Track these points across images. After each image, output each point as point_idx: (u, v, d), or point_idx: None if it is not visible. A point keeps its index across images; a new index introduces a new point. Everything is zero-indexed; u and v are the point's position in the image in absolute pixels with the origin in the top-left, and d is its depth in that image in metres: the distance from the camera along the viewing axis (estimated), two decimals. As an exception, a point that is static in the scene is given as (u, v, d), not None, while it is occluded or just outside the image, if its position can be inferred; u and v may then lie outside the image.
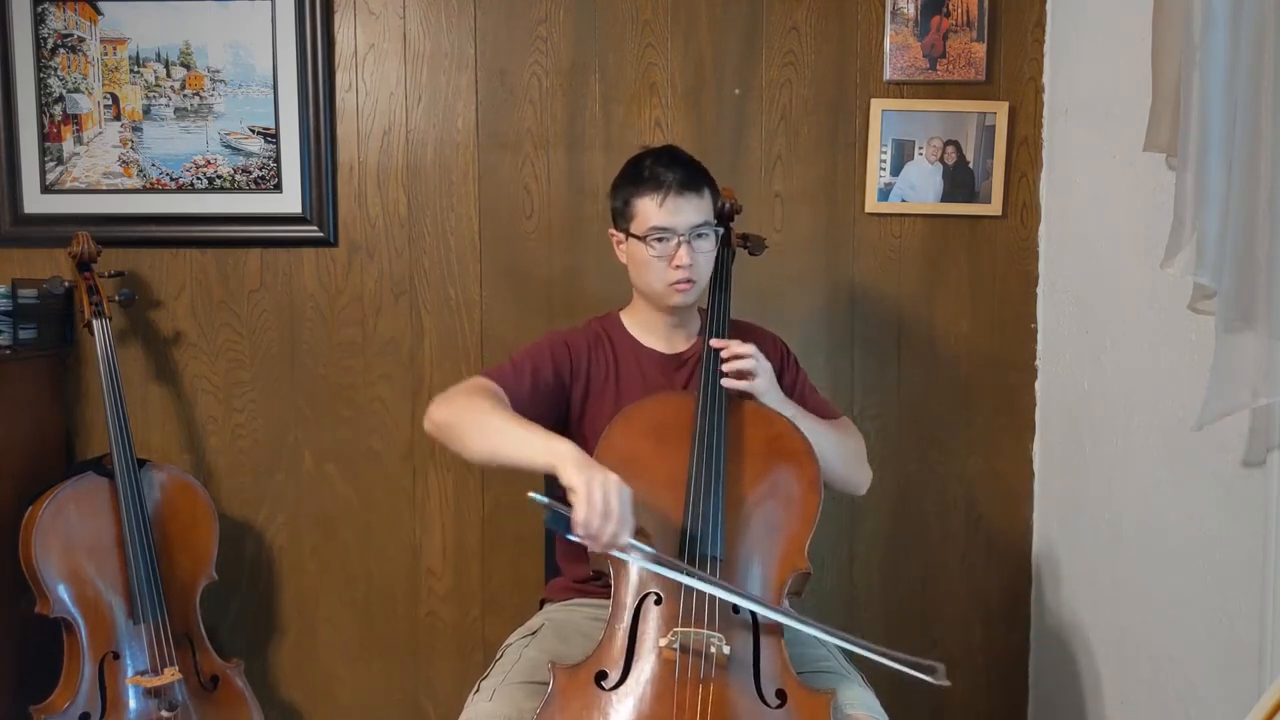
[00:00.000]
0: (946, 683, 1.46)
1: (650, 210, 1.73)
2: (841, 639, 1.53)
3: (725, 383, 1.69)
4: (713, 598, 1.52)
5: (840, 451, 1.81)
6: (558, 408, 1.80)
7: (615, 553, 1.49)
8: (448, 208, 2.37)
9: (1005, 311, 2.38)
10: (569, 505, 1.46)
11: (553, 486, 1.55)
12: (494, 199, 2.36)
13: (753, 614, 1.55)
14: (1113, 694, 2.04)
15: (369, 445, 2.39)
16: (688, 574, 1.51)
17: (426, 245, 2.37)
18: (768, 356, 1.88)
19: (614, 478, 1.47)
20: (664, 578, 1.54)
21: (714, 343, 1.73)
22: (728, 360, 1.70)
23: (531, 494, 1.48)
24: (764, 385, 1.71)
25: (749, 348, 1.71)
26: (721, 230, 1.82)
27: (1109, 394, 2.05)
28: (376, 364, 2.38)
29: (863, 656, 1.53)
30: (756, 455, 1.66)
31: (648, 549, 1.52)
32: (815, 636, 1.56)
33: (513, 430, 1.59)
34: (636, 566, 1.55)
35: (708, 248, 1.77)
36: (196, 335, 2.37)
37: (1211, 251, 1.47)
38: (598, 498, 1.44)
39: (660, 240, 1.73)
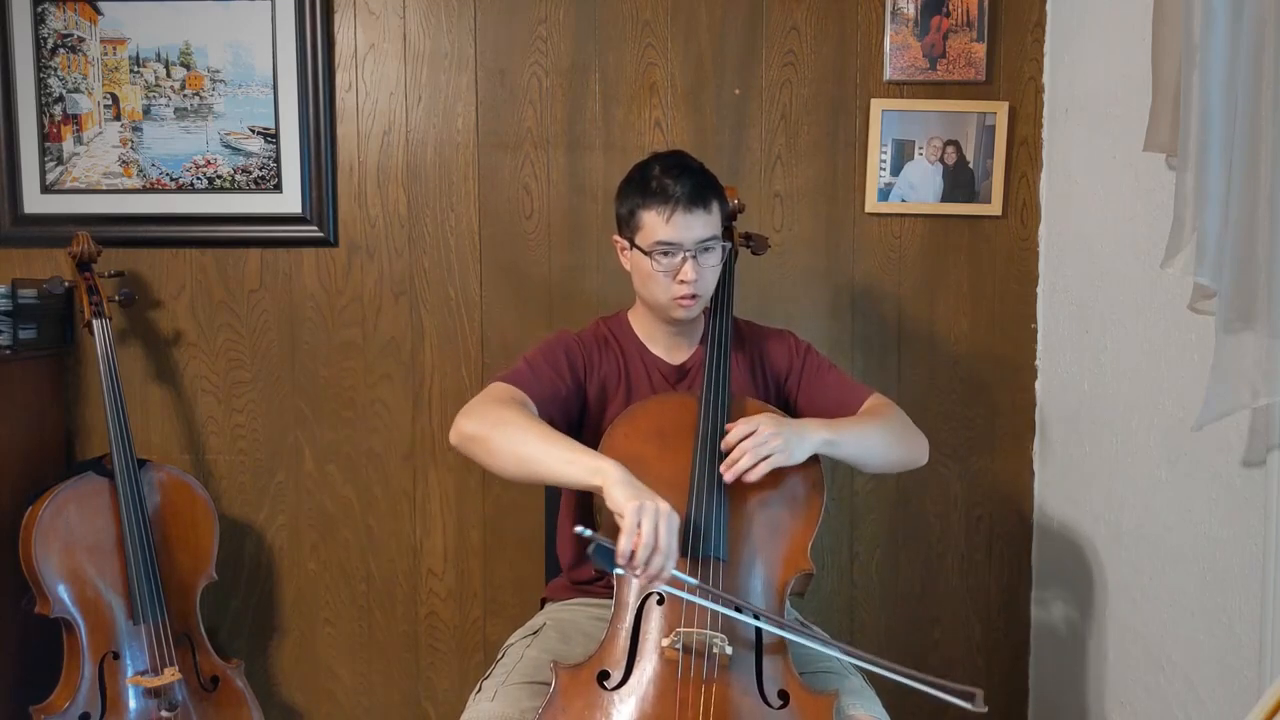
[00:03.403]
0: (984, 709, 1.37)
1: (656, 225, 1.69)
2: (868, 662, 1.45)
3: (748, 476, 1.56)
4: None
5: (890, 439, 1.73)
6: (572, 410, 1.77)
7: (661, 587, 1.43)
8: (448, 208, 2.36)
9: (1005, 311, 2.38)
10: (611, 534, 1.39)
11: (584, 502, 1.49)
12: (494, 199, 2.36)
13: (754, 614, 1.55)
14: (1113, 694, 2.05)
15: (369, 446, 2.39)
16: (716, 600, 1.49)
17: (426, 245, 2.37)
18: (776, 356, 1.87)
19: (664, 505, 1.39)
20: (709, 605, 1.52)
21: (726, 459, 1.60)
22: (732, 464, 1.58)
23: (579, 528, 1.40)
24: (783, 448, 1.57)
25: (734, 437, 1.58)
26: (728, 244, 1.79)
27: (1109, 394, 2.05)
28: (377, 364, 2.38)
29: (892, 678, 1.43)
30: (758, 455, 1.66)
31: (690, 579, 1.45)
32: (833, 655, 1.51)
33: (551, 446, 1.51)
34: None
35: (713, 261, 1.73)
36: (196, 335, 2.37)
37: (1211, 251, 1.47)
38: (648, 529, 1.36)
39: (666, 255, 1.69)
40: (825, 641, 1.52)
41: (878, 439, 1.71)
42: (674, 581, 1.44)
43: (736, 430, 1.59)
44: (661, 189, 1.69)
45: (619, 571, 1.40)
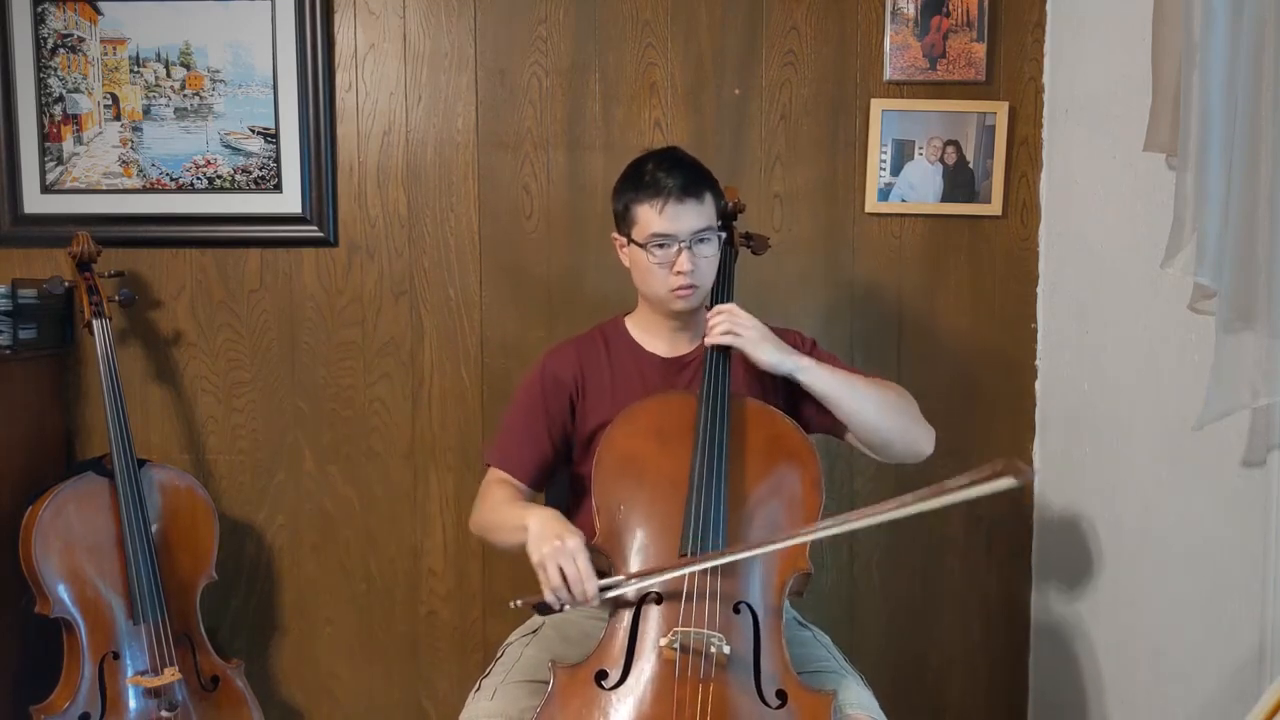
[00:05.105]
0: (1028, 477, 1.35)
1: (650, 217, 1.71)
2: (890, 510, 1.48)
3: (708, 340, 1.72)
4: (713, 597, 1.52)
5: (880, 404, 1.72)
6: (567, 425, 1.82)
7: (606, 595, 1.52)
8: (448, 208, 2.36)
9: (1005, 311, 2.38)
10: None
11: None
12: (494, 199, 2.36)
13: (753, 613, 1.55)
14: (1113, 694, 2.04)
15: (369, 445, 2.39)
16: (683, 568, 1.52)
17: (426, 245, 2.37)
18: None
19: (559, 544, 1.50)
20: (664, 579, 1.54)
21: (706, 339, 1.73)
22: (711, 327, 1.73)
23: (511, 602, 1.55)
24: (753, 337, 1.69)
25: (723, 311, 1.71)
26: (724, 234, 1.80)
27: (1109, 394, 2.05)
28: (376, 364, 2.38)
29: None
30: (758, 455, 1.66)
31: (620, 578, 1.54)
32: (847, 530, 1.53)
33: (501, 521, 1.68)
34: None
35: (709, 252, 1.75)
36: (196, 335, 2.37)
37: (1211, 251, 1.47)
38: (553, 573, 1.50)
39: (661, 247, 1.71)
40: (835, 522, 1.52)
41: (863, 395, 1.72)
42: (609, 590, 1.53)
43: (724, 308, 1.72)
44: (654, 182, 1.71)
45: (567, 609, 1.52)
